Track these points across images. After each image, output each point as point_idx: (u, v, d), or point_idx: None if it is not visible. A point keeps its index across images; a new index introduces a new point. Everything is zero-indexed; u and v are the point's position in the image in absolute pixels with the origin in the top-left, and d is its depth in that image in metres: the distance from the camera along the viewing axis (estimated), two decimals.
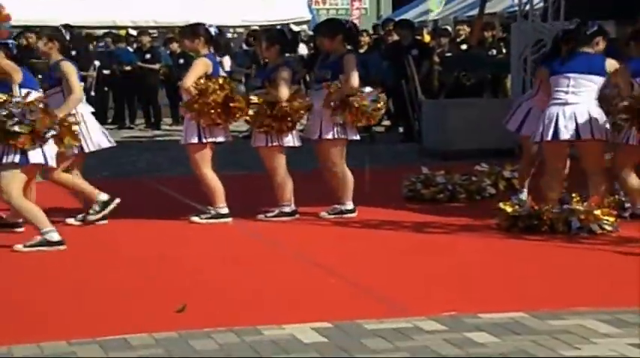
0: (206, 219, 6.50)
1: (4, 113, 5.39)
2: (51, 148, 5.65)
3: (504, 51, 11.90)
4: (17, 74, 5.65)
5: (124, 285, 4.93)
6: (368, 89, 6.60)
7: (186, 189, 7.52)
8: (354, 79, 6.46)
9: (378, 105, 6.65)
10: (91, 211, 6.44)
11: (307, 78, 12.54)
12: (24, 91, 5.57)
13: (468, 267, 5.27)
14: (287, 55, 6.87)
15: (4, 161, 5.50)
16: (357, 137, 6.73)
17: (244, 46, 15.41)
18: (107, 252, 5.83)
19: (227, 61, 15.44)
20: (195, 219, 6.52)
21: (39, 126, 5.42)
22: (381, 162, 9.88)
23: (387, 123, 13.06)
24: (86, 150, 6.44)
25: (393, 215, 6.80)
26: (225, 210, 6.52)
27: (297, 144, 6.66)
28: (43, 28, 7.12)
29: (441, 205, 7.18)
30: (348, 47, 6.66)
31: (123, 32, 17.19)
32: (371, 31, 16.66)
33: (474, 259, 5.49)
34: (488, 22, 13.40)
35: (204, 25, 6.66)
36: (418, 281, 4.97)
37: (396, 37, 12.36)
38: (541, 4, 10.48)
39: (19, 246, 5.63)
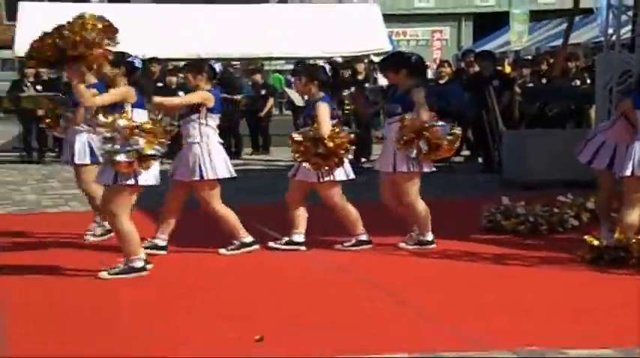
0: (281, 244, 6.59)
1: (109, 146, 5.50)
2: (155, 168, 5.68)
3: (588, 81, 11.70)
4: (131, 94, 5.72)
5: (212, 309, 5.00)
6: (441, 123, 6.56)
7: (266, 217, 7.61)
8: (423, 113, 6.42)
9: (452, 138, 6.57)
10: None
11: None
12: (135, 112, 5.64)
13: (550, 301, 5.16)
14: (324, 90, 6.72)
15: (115, 182, 5.59)
16: (433, 169, 6.69)
17: None
18: (207, 277, 5.92)
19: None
20: (273, 245, 6.60)
21: (146, 150, 5.50)
22: (460, 193, 9.81)
23: (466, 153, 12.96)
24: (205, 178, 6.38)
25: (472, 246, 6.72)
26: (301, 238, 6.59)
27: (351, 176, 6.63)
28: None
29: (521, 237, 7.06)
30: (416, 80, 6.62)
31: None
32: (452, 62, 16.60)
33: (556, 292, 5.36)
34: (572, 52, 13.20)
35: (208, 61, 6.84)
36: (497, 313, 4.89)
37: (476, 68, 12.29)
38: (628, 35, 10.27)
39: (103, 274, 5.70)
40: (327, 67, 6.83)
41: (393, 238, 6.86)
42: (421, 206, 6.62)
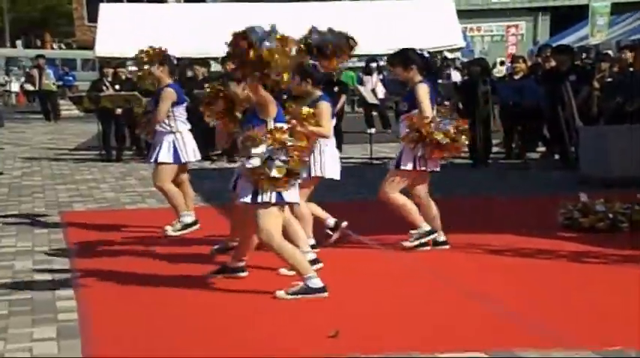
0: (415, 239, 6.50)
1: (259, 164, 5.02)
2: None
3: None
4: (273, 107, 5.21)
5: (274, 307, 5.05)
6: (441, 119, 6.36)
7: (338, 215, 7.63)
8: (425, 110, 6.29)
9: (453, 134, 6.28)
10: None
11: (460, 105, 12.48)
12: (278, 125, 5.15)
13: (630, 300, 5.03)
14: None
15: (259, 200, 5.11)
16: (437, 169, 6.54)
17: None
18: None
19: (381, 89, 15.62)
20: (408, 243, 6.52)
21: (294, 165, 5.08)
22: (536, 190, 9.66)
23: (542, 149, 12.74)
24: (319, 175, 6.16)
25: (549, 244, 6.61)
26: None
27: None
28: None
29: (600, 235, 6.90)
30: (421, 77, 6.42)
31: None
32: (527, 57, 16.33)
33: (638, 292, 5.23)
34: None
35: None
36: (577, 312, 4.80)
37: (553, 63, 12.06)
38: None
39: (280, 293, 5.19)
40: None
41: (467, 236, 6.80)
42: (401, 200, 6.44)
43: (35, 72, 23.22)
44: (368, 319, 4.74)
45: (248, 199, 5.14)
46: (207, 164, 12.67)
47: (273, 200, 5.09)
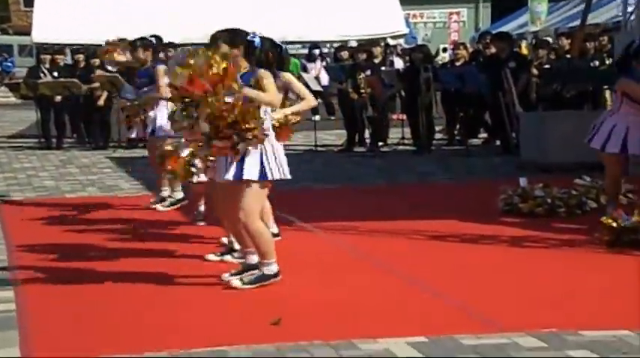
0: None
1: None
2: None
3: (607, 62, 11.59)
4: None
5: (220, 296, 5.02)
6: None
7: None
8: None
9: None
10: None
11: (402, 92, 12.57)
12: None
13: (568, 283, 5.14)
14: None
15: (244, 177, 4.93)
16: None
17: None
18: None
19: (324, 76, 15.59)
20: None
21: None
22: (477, 175, 9.78)
23: (484, 135, 12.91)
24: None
25: (489, 229, 6.71)
26: None
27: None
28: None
29: (539, 219, 7.03)
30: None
31: None
32: (468, 44, 16.48)
33: (574, 275, 5.35)
34: (590, 32, 13.06)
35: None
36: (516, 296, 4.88)
37: (493, 50, 12.21)
38: None
39: (236, 282, 5.07)
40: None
41: (410, 222, 6.86)
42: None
43: None
44: (310, 306, 4.74)
45: (231, 176, 4.95)
46: None
47: (256, 177, 4.93)
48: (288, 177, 5.12)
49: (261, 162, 4.95)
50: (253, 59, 5.12)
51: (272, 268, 5.10)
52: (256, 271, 5.14)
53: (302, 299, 4.90)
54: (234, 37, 5.17)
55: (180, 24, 16.20)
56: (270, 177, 5.02)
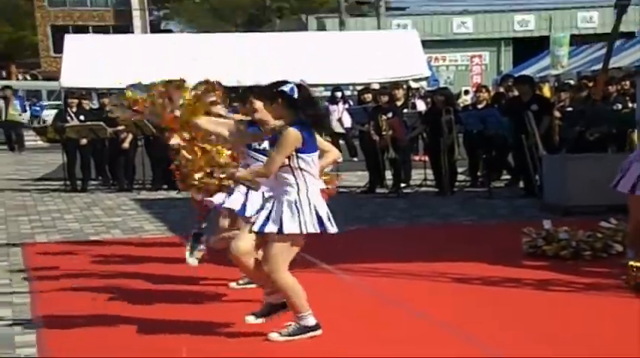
0: None
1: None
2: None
3: (630, 105, 11.57)
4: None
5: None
6: None
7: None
8: None
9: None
10: None
11: (424, 134, 12.60)
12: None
13: (595, 328, 5.08)
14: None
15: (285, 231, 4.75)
16: None
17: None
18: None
19: (347, 118, 15.71)
20: None
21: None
22: (500, 217, 9.74)
23: (507, 178, 12.87)
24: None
25: (514, 272, 6.65)
26: None
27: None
28: None
29: (564, 262, 6.97)
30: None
31: None
32: (490, 87, 16.55)
33: (602, 320, 5.28)
34: (613, 76, 13.08)
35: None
36: (541, 341, 4.82)
37: (515, 93, 12.23)
38: None
39: (274, 336, 4.89)
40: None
41: (432, 264, 6.82)
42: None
43: (1, 102, 23.03)
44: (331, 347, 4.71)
45: (274, 229, 4.76)
46: (173, 193, 12.61)
47: (297, 231, 4.75)
48: (332, 230, 4.88)
49: (298, 216, 4.75)
50: (295, 111, 4.87)
51: (309, 320, 4.90)
52: (292, 323, 4.93)
53: (323, 341, 4.86)
54: (267, 90, 5.00)
55: (204, 69, 16.40)
56: (297, 231, 4.76)
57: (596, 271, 6.58)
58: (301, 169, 4.78)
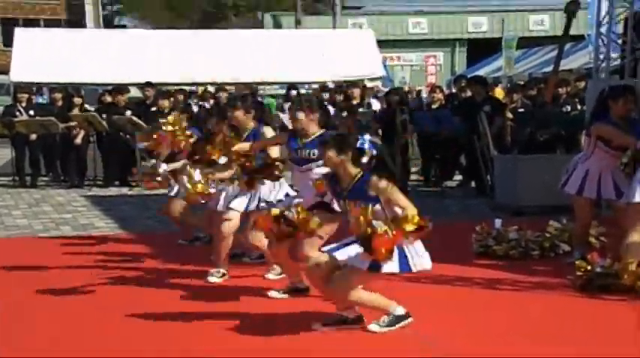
0: None
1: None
2: None
3: (579, 107, 11.77)
4: None
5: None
6: None
7: None
8: None
9: None
10: None
11: (379, 132, 12.65)
12: None
13: (541, 326, 5.16)
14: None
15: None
16: None
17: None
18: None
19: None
20: None
21: None
22: (452, 217, 9.82)
23: (459, 178, 12.99)
24: None
25: (464, 270, 6.72)
26: None
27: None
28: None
29: (513, 262, 7.06)
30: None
31: (201, 89, 17.69)
32: (444, 87, 16.69)
33: (547, 318, 5.36)
34: (563, 78, 13.29)
35: None
36: (488, 339, 4.88)
37: (469, 93, 12.36)
38: (618, 61, 10.37)
39: (374, 327, 5.06)
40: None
41: None
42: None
43: None
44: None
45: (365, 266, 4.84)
46: (125, 190, 12.48)
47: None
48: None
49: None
50: (363, 165, 4.98)
51: (398, 311, 5.08)
52: (386, 316, 5.07)
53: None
54: (342, 142, 5.05)
55: (157, 66, 16.29)
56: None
57: (544, 270, 6.68)
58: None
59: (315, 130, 5.82)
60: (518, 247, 7.24)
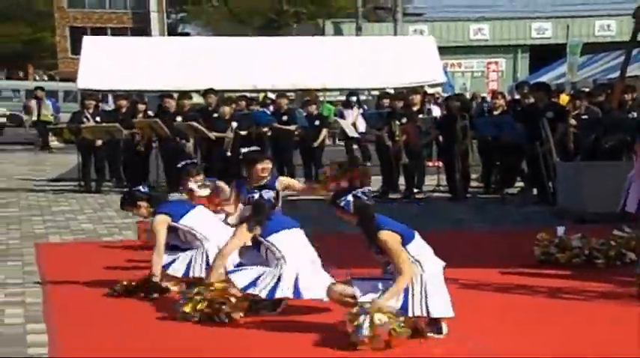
0: None
1: None
2: None
3: None
4: None
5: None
6: None
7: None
8: None
9: None
10: None
11: (439, 139, 12.57)
12: None
13: (607, 337, 5.05)
14: None
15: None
16: None
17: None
18: None
19: (361, 122, 15.70)
20: None
21: None
22: (513, 224, 9.69)
23: (520, 184, 12.82)
24: None
25: (526, 279, 6.62)
26: None
27: None
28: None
29: (577, 270, 6.93)
30: None
31: (262, 95, 17.82)
32: (506, 94, 16.50)
33: (613, 329, 5.24)
34: (629, 84, 13.00)
35: None
36: (553, 349, 4.80)
37: (531, 100, 12.19)
38: None
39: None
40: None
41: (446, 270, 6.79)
42: None
43: (33, 102, 23.16)
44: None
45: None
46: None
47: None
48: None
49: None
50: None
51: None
52: None
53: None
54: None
55: (219, 73, 16.46)
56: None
57: (609, 279, 6.53)
58: None
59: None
60: (582, 255, 7.10)
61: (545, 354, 4.68)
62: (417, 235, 5.11)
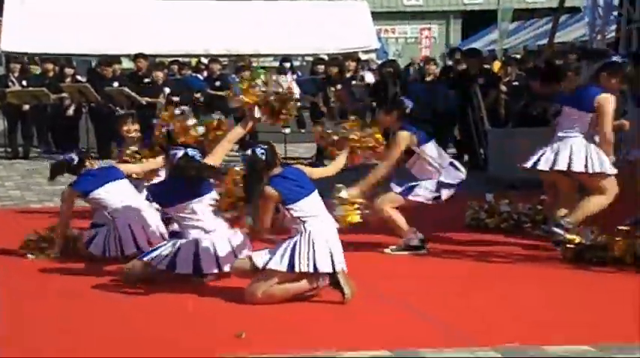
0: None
1: None
2: None
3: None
4: None
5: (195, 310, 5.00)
6: None
7: None
8: None
9: None
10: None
11: (373, 104, 12.62)
12: None
13: (531, 298, 5.18)
14: None
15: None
16: None
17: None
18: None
19: (295, 89, 15.65)
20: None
21: None
22: None
23: (452, 151, 12.97)
24: None
25: (455, 243, 6.74)
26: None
27: None
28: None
29: (505, 234, 7.08)
30: None
31: (194, 60, 17.57)
32: (439, 61, 16.64)
33: (538, 290, 5.39)
34: (558, 50, 13.25)
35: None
36: (480, 311, 4.90)
37: (464, 66, 12.32)
38: (613, 34, 10.34)
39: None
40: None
41: (376, 236, 6.87)
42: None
43: None
44: (271, 320, 4.73)
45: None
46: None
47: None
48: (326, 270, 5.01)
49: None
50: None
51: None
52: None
53: (263, 313, 4.88)
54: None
55: (148, 34, 16.16)
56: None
57: (534, 243, 6.70)
58: None
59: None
60: (510, 220, 7.26)
61: (472, 313, 4.78)
62: (313, 194, 5.24)
